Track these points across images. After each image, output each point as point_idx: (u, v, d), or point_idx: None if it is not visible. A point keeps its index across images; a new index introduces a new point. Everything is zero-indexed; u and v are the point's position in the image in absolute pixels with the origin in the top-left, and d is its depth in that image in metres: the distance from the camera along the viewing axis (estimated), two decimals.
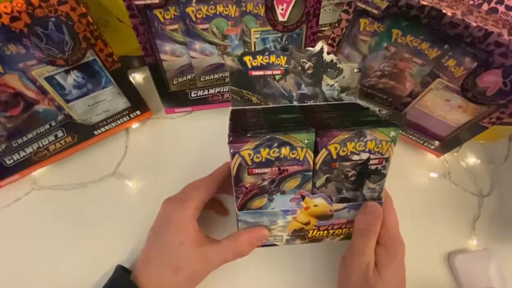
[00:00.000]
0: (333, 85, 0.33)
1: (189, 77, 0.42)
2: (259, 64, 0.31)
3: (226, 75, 0.42)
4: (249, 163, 0.27)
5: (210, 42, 0.38)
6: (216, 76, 0.42)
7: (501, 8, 0.32)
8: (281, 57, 0.31)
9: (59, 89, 0.35)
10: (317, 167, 0.28)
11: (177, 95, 0.42)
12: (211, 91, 0.43)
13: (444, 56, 0.33)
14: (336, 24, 0.36)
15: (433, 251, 0.41)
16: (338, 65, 0.32)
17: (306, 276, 0.38)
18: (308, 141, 0.27)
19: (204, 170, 0.42)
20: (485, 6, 0.32)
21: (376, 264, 0.29)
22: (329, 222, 0.31)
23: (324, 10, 0.47)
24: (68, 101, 0.37)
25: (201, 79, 0.42)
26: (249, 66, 0.31)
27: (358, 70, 0.32)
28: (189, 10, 0.34)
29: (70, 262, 0.37)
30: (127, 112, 0.42)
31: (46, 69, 0.33)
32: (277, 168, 0.28)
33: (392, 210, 0.32)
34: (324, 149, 0.27)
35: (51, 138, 0.38)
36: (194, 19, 0.35)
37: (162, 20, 0.34)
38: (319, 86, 0.33)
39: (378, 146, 0.28)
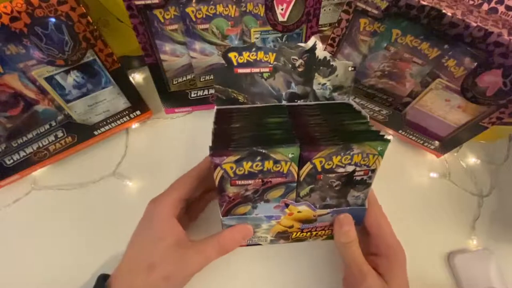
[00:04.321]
0: (325, 84, 0.31)
1: (189, 77, 0.42)
2: (245, 61, 0.29)
3: None
4: (232, 175, 0.26)
5: (210, 42, 0.38)
6: None
7: (501, 8, 0.32)
8: (270, 53, 0.29)
9: (59, 89, 0.35)
10: (301, 179, 0.28)
11: (177, 95, 0.42)
12: (211, 91, 0.43)
13: (444, 56, 0.33)
14: (336, 24, 0.36)
15: (433, 251, 0.41)
16: (331, 63, 0.30)
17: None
18: (293, 155, 0.26)
19: None
20: (485, 6, 0.32)
21: (382, 276, 0.29)
22: (312, 225, 0.31)
23: (324, 10, 0.47)
24: (68, 101, 0.37)
25: (201, 79, 0.42)
26: (235, 63, 0.29)
27: (352, 68, 0.31)
28: (189, 10, 0.34)
29: (69, 262, 0.37)
30: (127, 112, 0.42)
31: (46, 69, 0.33)
32: (260, 180, 0.27)
33: (382, 217, 0.31)
34: (308, 163, 0.27)
35: (51, 138, 0.38)
36: (194, 19, 0.35)
37: (162, 20, 0.34)
38: (310, 85, 0.31)
39: (365, 159, 0.27)
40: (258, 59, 0.29)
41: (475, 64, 0.32)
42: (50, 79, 0.34)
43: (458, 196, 0.44)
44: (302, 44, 0.29)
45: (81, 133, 0.40)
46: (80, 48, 0.33)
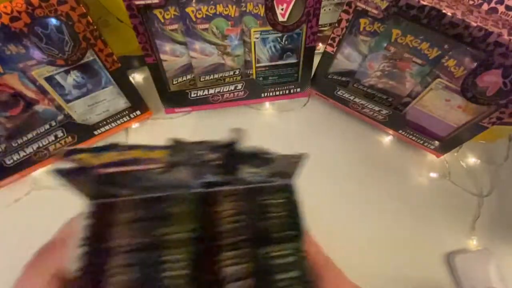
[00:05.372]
0: (258, 172, 0.24)
1: (189, 77, 0.42)
2: (113, 161, 0.20)
3: (226, 75, 0.42)
4: None
5: (210, 42, 0.38)
6: (216, 76, 0.42)
7: (501, 8, 0.32)
8: (157, 151, 0.21)
9: (59, 89, 0.35)
10: None
11: (177, 95, 0.42)
12: (211, 91, 0.43)
13: (444, 56, 0.33)
14: (336, 24, 0.37)
15: (433, 251, 0.41)
16: (266, 156, 0.22)
17: None
18: None
19: None
20: (485, 6, 0.32)
21: None
22: None
23: (324, 10, 0.47)
24: (68, 101, 0.37)
25: (201, 79, 0.42)
26: (94, 164, 0.20)
27: (297, 160, 0.23)
28: (189, 10, 0.34)
29: None
30: (127, 112, 0.42)
31: (46, 69, 0.33)
32: None
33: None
34: None
35: (51, 138, 0.38)
36: (194, 19, 0.35)
37: (162, 20, 0.34)
38: (234, 174, 0.24)
39: None
40: (131, 158, 0.20)
41: (475, 64, 0.32)
42: (50, 79, 0.34)
43: (458, 196, 0.44)
44: (211, 140, 0.21)
45: (81, 133, 0.40)
46: (80, 48, 0.33)
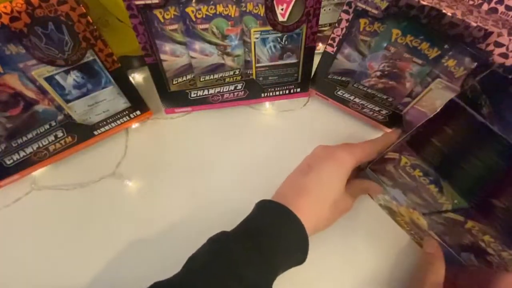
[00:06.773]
0: None
1: (189, 77, 0.42)
2: None
3: (226, 75, 0.42)
4: (402, 165, 0.28)
5: (210, 42, 0.38)
6: (216, 76, 0.42)
7: (501, 8, 0.32)
8: None
9: (59, 89, 0.35)
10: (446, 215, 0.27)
11: (177, 95, 0.42)
12: (211, 91, 0.43)
13: (444, 56, 0.33)
14: (336, 24, 0.37)
15: None
16: None
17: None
18: (457, 203, 0.24)
19: (204, 170, 0.42)
20: (485, 6, 0.32)
21: None
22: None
23: (324, 10, 0.47)
24: (68, 101, 0.37)
25: (201, 79, 0.42)
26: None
27: None
28: (189, 10, 0.34)
29: (70, 262, 0.37)
30: (127, 112, 0.42)
31: (46, 69, 0.33)
32: (415, 191, 0.29)
33: None
34: (468, 221, 0.25)
35: (51, 138, 0.38)
36: (194, 19, 0.35)
37: (162, 20, 0.34)
38: None
39: None
40: None
41: (475, 64, 0.32)
42: (50, 79, 0.34)
43: None
44: None
45: (81, 133, 0.40)
46: (80, 48, 0.33)
